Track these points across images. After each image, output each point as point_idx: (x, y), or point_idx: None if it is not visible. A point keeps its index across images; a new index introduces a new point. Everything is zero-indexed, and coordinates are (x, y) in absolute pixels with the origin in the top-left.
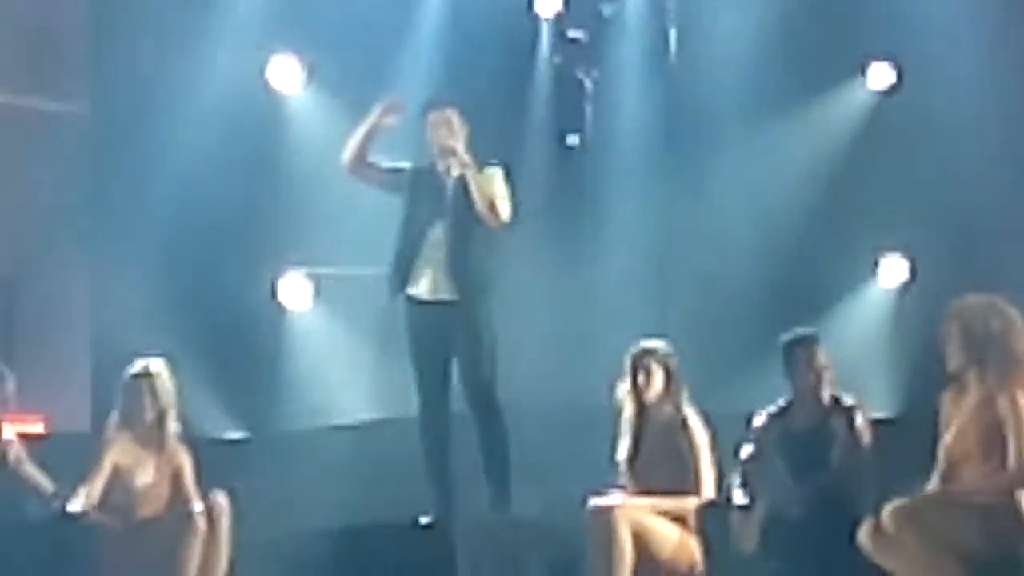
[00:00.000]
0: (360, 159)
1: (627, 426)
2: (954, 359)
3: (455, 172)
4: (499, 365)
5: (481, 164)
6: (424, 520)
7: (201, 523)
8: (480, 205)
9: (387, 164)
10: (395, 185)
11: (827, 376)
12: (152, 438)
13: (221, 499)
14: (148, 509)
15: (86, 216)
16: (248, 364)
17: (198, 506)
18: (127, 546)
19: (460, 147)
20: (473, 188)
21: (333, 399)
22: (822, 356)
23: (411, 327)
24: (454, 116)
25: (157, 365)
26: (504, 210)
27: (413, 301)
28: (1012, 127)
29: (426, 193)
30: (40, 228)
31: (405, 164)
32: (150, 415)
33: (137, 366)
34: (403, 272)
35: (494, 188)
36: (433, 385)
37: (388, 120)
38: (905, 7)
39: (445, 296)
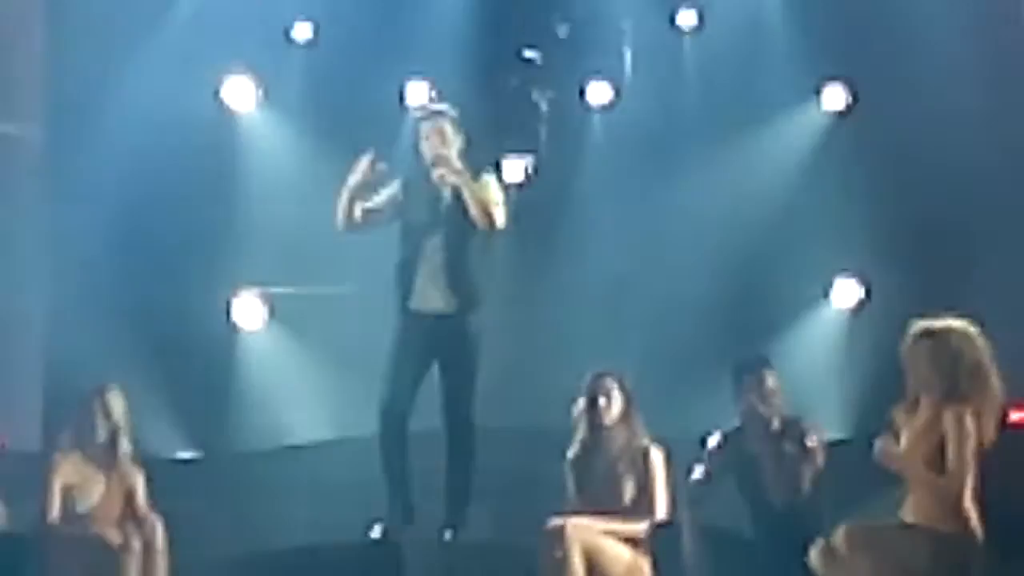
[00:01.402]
0: (351, 219)
1: (579, 445)
2: (917, 378)
3: (448, 181)
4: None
5: (474, 172)
6: (375, 533)
7: (136, 544)
8: (475, 212)
9: (378, 200)
10: (395, 213)
11: (775, 401)
12: (103, 458)
13: (154, 519)
14: (98, 529)
15: (38, 237)
16: (202, 384)
17: (131, 527)
18: (73, 567)
19: (452, 155)
20: (467, 196)
21: (286, 419)
22: (770, 380)
23: (399, 336)
24: (447, 125)
25: (109, 385)
26: (500, 216)
27: (406, 311)
28: (966, 150)
29: (420, 204)
30: None
31: (394, 186)
32: (102, 435)
33: (89, 386)
34: (405, 284)
35: (489, 195)
36: (403, 396)
37: (368, 177)
38: (860, 30)
39: (439, 308)
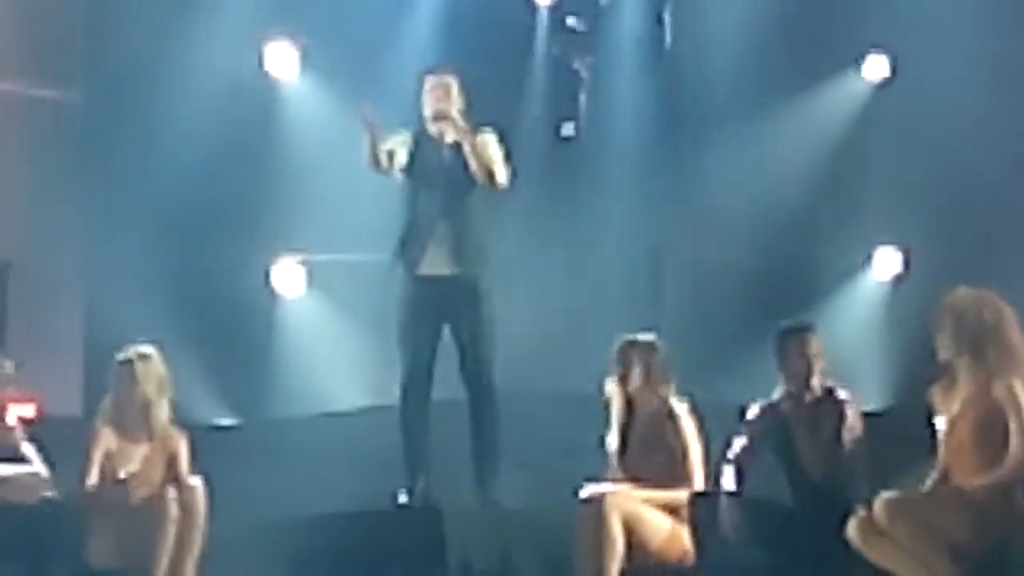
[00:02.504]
0: (376, 161)
1: (615, 417)
2: (947, 350)
3: (449, 139)
4: (497, 345)
5: (475, 129)
6: (402, 499)
7: (173, 510)
8: (477, 170)
9: (396, 141)
10: (400, 164)
11: (818, 366)
12: (143, 424)
13: (196, 485)
14: (139, 494)
15: (80, 202)
16: (241, 351)
17: (171, 493)
18: (113, 532)
19: (455, 112)
20: (468, 153)
21: (326, 386)
22: (814, 345)
23: (406, 300)
24: (453, 82)
25: (148, 351)
26: (501, 174)
27: (411, 275)
28: (1007, 119)
29: (423, 163)
30: (34, 213)
31: (406, 135)
32: (141, 401)
33: (128, 352)
34: (410, 248)
35: (490, 152)
36: (420, 362)
37: (375, 125)
38: None
39: (444, 271)
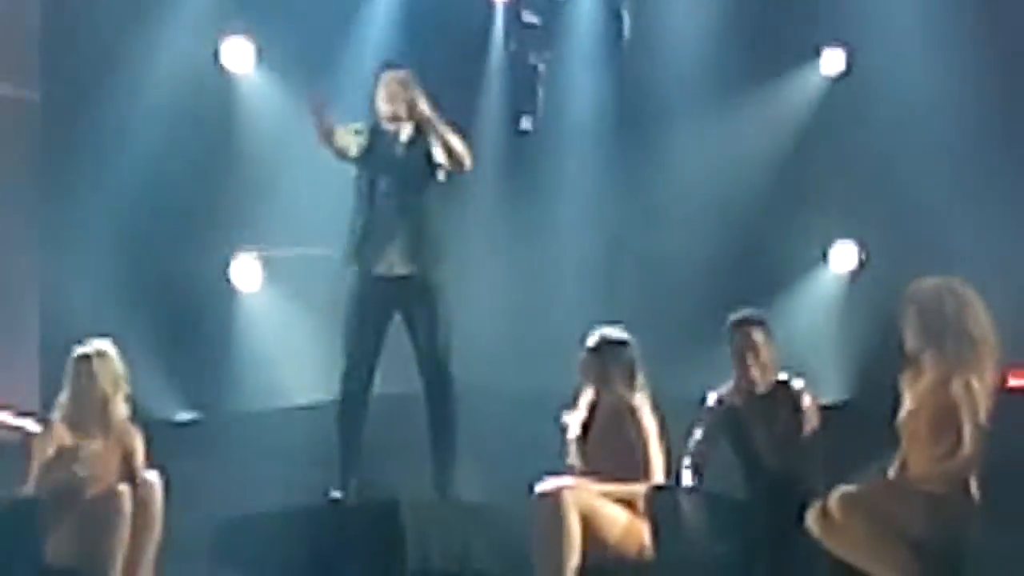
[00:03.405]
0: (328, 139)
1: (581, 409)
2: (910, 341)
3: (404, 136)
4: (453, 339)
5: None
6: (335, 495)
7: (127, 506)
8: (441, 154)
9: (352, 128)
10: (350, 151)
11: (764, 356)
12: (98, 420)
13: (152, 480)
14: (93, 492)
15: (37, 198)
16: (199, 345)
17: (126, 489)
18: (69, 529)
19: (416, 105)
20: (435, 137)
21: (284, 380)
22: (760, 336)
23: (356, 296)
24: (408, 77)
25: (104, 346)
26: (467, 155)
27: (365, 272)
28: (963, 114)
29: (377, 159)
30: None
31: (361, 128)
32: (97, 397)
33: (84, 348)
34: (362, 243)
35: (452, 136)
36: (363, 359)
37: (324, 112)
38: None
39: (401, 269)
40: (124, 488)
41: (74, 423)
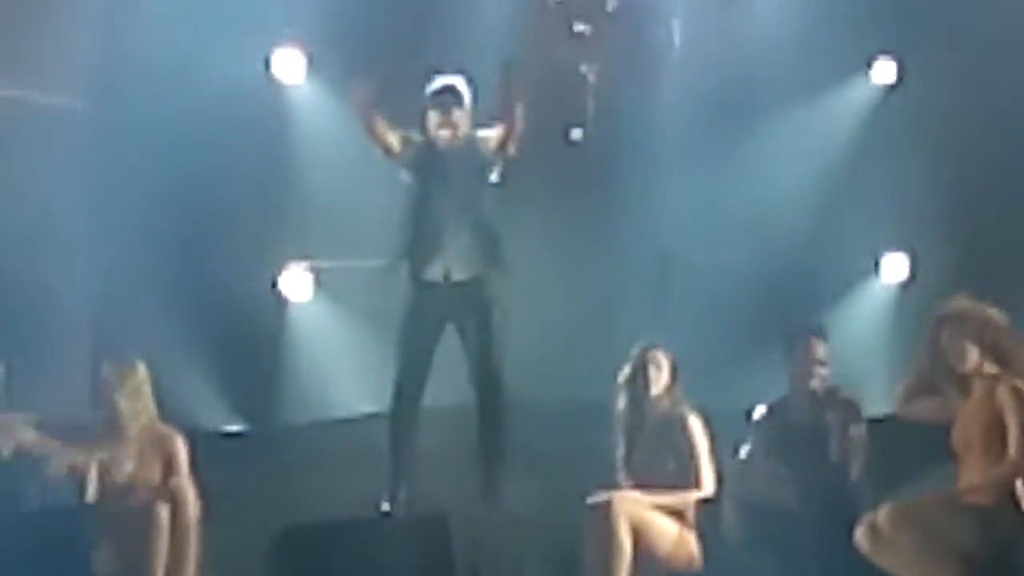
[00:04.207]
0: (372, 130)
1: (623, 421)
2: (958, 356)
3: (458, 142)
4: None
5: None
6: (384, 507)
7: (163, 514)
8: (496, 137)
9: (401, 132)
10: (402, 154)
11: (820, 368)
12: (133, 430)
13: (187, 490)
14: (133, 500)
15: (86, 209)
16: (250, 357)
17: (159, 498)
18: (112, 539)
19: (463, 116)
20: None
21: (334, 392)
22: (819, 347)
23: (410, 305)
24: (461, 86)
25: (132, 360)
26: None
27: (418, 280)
28: (1013, 124)
29: (431, 167)
30: (39, 221)
31: (415, 134)
32: (129, 409)
33: (114, 362)
34: (416, 250)
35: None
36: (415, 368)
37: (367, 100)
38: (908, 3)
39: (456, 277)
40: (160, 499)
41: (108, 436)
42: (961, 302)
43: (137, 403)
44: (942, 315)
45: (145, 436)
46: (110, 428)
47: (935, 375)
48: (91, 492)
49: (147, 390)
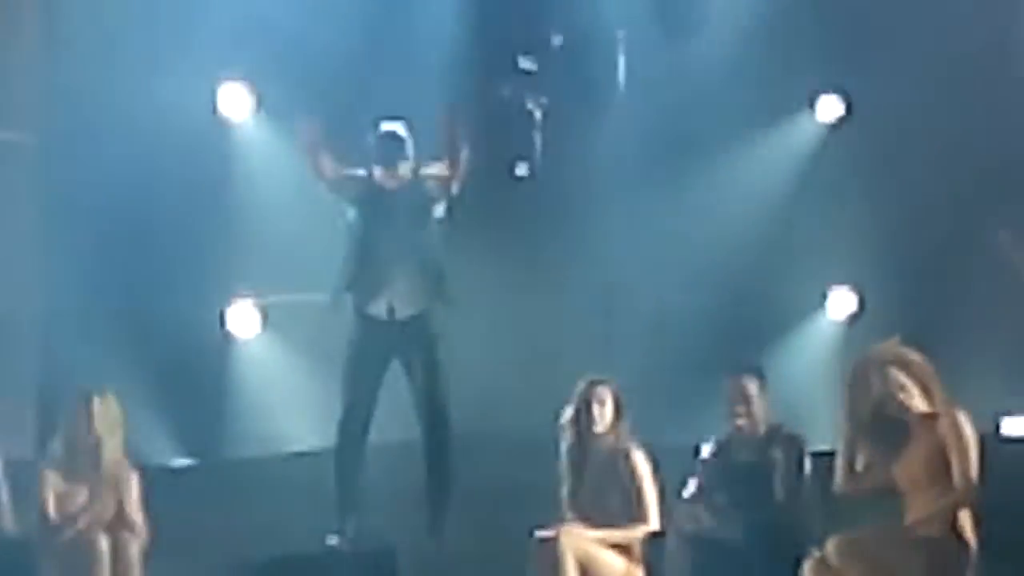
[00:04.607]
0: (323, 172)
1: (569, 456)
2: (902, 394)
3: (401, 180)
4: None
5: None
6: (331, 541)
7: (104, 547)
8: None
9: (346, 171)
10: (347, 191)
11: (756, 408)
12: (94, 464)
13: (136, 523)
14: (87, 535)
15: (33, 244)
16: (196, 391)
17: (100, 534)
18: (64, 572)
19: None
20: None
21: (281, 426)
22: (752, 387)
23: (356, 344)
24: (402, 130)
25: (104, 391)
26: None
27: (362, 315)
28: (959, 161)
29: (376, 204)
30: None
31: (360, 172)
32: (93, 441)
33: (85, 391)
34: (360, 286)
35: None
36: (360, 403)
37: (314, 137)
38: (854, 40)
39: (400, 314)
40: (104, 531)
41: (68, 468)
42: (893, 347)
43: (114, 436)
44: (866, 363)
45: (109, 469)
46: (80, 457)
47: (869, 428)
48: (68, 529)
49: (120, 424)
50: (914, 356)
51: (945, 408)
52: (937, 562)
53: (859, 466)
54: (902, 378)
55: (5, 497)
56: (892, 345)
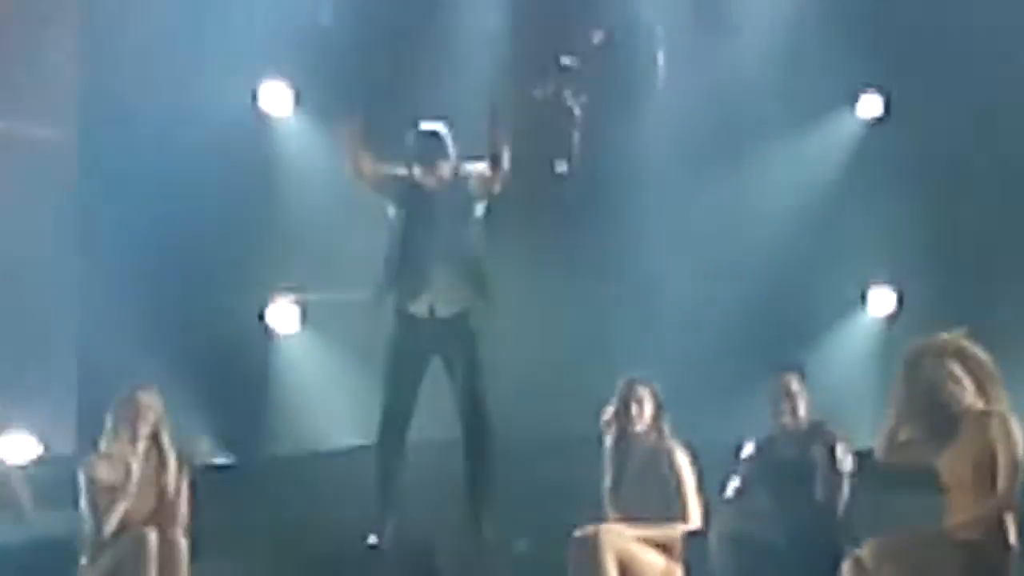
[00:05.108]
0: (357, 164)
1: (610, 454)
2: (967, 393)
3: (443, 181)
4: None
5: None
6: (371, 540)
7: (152, 546)
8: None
9: (386, 169)
10: (387, 189)
11: (798, 406)
12: (139, 460)
13: (183, 519)
14: (131, 529)
15: (73, 241)
16: (236, 389)
17: (151, 530)
18: (103, 568)
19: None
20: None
21: (321, 424)
22: (794, 384)
23: (397, 342)
24: (442, 130)
25: (149, 386)
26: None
27: (404, 313)
28: (1001, 158)
29: (416, 202)
30: (28, 252)
31: (400, 171)
32: (138, 438)
33: (130, 387)
34: (402, 284)
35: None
36: (401, 402)
37: (354, 134)
38: (895, 37)
39: (441, 312)
40: (152, 531)
41: (114, 463)
42: (957, 338)
43: (161, 430)
44: (925, 349)
45: (155, 464)
46: (127, 452)
47: (916, 412)
48: (112, 523)
49: (164, 417)
50: (976, 351)
51: (999, 409)
52: (978, 566)
53: (902, 437)
54: (957, 370)
55: (25, 495)
56: (956, 336)
